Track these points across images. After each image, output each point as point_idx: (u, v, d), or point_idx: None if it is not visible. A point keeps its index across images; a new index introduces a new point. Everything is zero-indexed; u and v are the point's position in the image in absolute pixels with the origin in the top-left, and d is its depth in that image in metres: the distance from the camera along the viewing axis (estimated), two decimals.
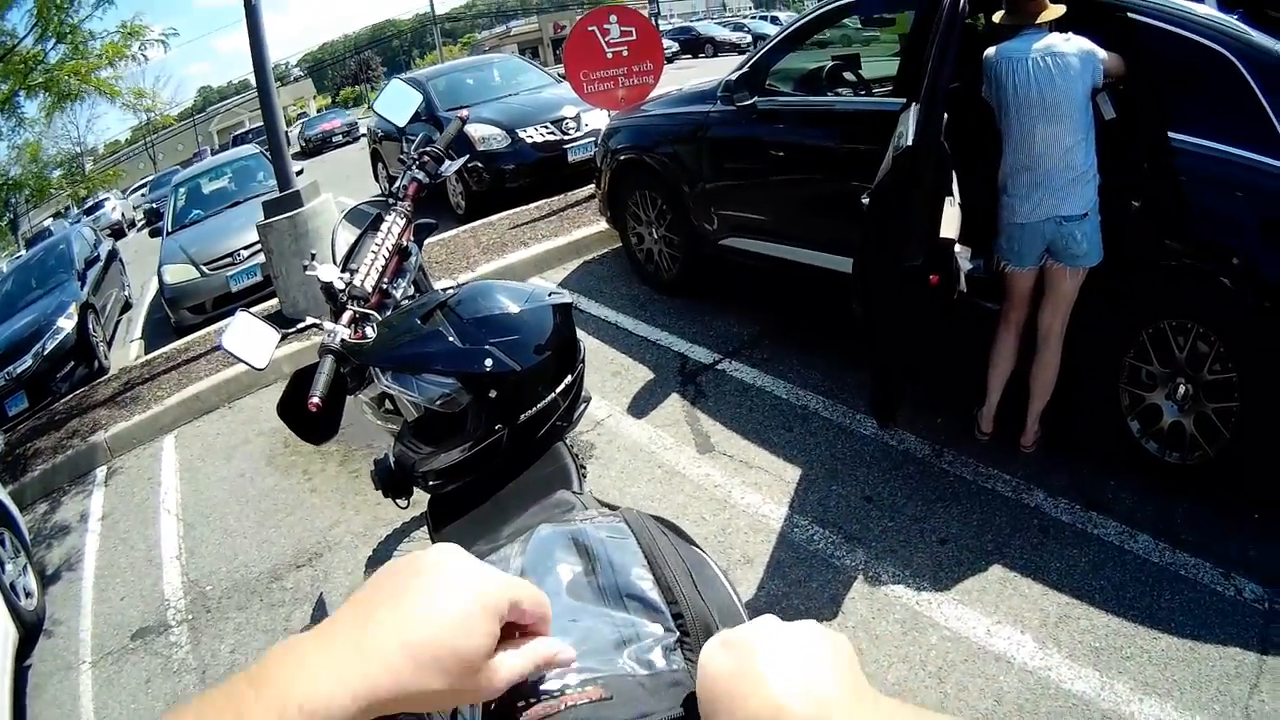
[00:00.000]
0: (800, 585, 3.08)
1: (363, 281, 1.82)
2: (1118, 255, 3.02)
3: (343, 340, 1.68)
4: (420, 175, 2.21)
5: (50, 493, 5.42)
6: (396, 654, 0.51)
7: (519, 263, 6.55)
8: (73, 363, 8.04)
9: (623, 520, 0.93)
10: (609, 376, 4.83)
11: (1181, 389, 3.06)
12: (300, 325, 1.80)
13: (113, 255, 11.92)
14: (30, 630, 3.98)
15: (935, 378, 4.00)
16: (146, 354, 7.70)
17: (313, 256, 1.91)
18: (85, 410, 6.32)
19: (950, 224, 2.91)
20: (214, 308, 8.49)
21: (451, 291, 1.69)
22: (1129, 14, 2.98)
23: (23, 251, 18.11)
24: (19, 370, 7.71)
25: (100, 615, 4.05)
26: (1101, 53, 2.90)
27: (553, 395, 1.67)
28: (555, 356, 1.67)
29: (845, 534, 3.29)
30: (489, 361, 1.55)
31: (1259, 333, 2.81)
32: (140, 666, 3.59)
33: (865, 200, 3.06)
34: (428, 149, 2.26)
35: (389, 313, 1.87)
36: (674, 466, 3.93)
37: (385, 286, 1.95)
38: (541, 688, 0.64)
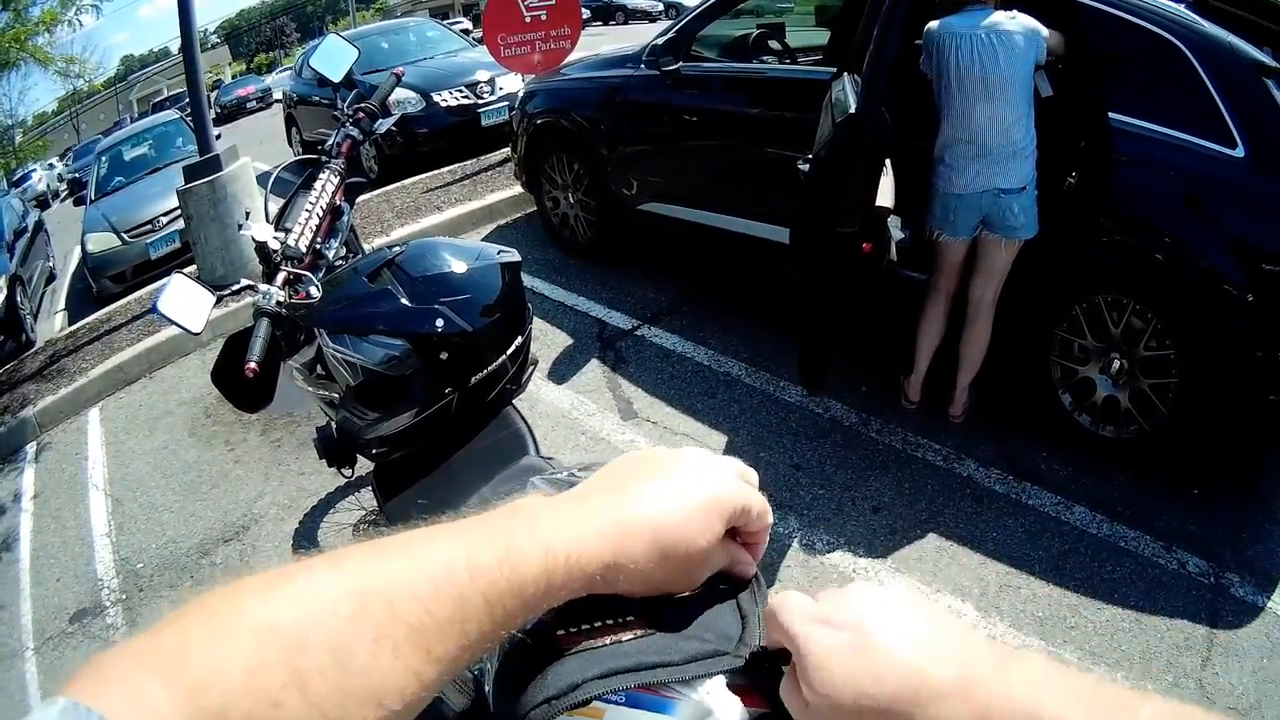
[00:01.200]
0: None
1: (297, 241, 1.65)
2: (1053, 229, 2.94)
3: (280, 301, 1.52)
4: (354, 132, 2.02)
5: None
6: (646, 533, 0.51)
7: (433, 227, 6.24)
8: (2, 337, 7.55)
9: None
10: None
11: (1116, 364, 3.00)
12: (234, 287, 1.62)
13: (39, 226, 11.27)
14: None
15: (861, 346, 3.89)
16: (70, 325, 7.22)
17: (247, 215, 1.73)
18: (14, 385, 5.85)
19: (886, 193, 2.83)
20: (134, 276, 8.05)
21: (399, 249, 1.55)
22: None
23: None
24: None
25: (39, 599, 3.75)
26: (1045, 31, 2.80)
27: (502, 358, 1.55)
28: (505, 318, 1.55)
29: (776, 502, 3.16)
30: (440, 322, 1.42)
31: (1199, 311, 2.75)
32: (81, 651, 3.33)
33: (803, 166, 2.92)
34: (362, 105, 2.08)
35: (322, 274, 1.71)
36: (598, 433, 3.76)
37: (319, 247, 1.79)
38: (578, 616, 0.55)
